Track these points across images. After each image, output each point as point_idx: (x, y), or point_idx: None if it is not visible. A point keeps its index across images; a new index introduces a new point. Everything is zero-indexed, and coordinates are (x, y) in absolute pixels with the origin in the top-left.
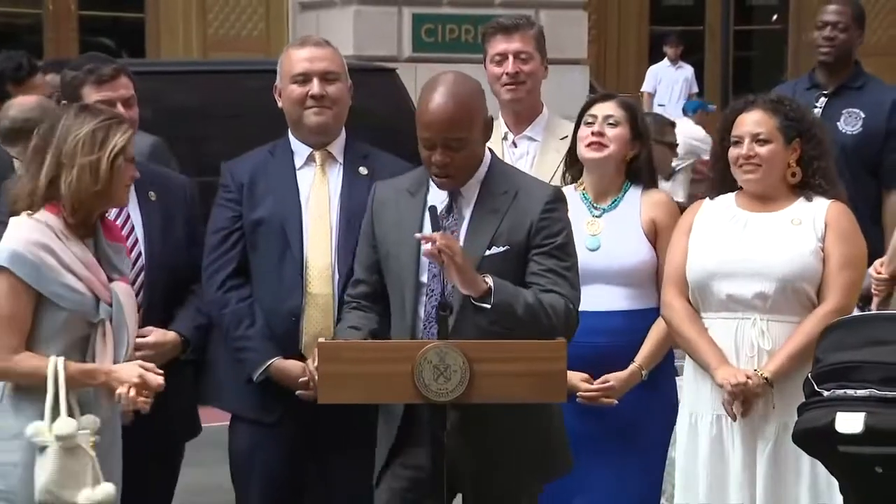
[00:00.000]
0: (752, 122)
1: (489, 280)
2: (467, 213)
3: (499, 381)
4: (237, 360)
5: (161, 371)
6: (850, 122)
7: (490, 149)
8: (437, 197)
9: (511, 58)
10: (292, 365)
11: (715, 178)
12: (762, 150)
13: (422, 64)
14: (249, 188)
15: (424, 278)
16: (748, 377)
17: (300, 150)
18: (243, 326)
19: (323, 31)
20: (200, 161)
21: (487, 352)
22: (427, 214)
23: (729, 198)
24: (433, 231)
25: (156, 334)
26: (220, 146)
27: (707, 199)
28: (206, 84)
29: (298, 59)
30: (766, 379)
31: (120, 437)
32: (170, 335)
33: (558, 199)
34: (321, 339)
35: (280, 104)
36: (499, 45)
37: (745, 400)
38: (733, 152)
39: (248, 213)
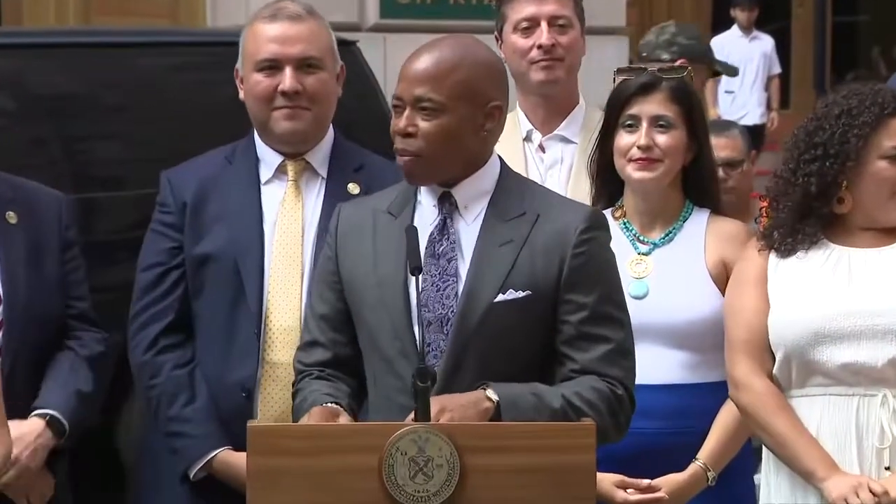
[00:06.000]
0: None
1: (493, 395)
2: (469, 240)
3: (500, 480)
4: (170, 450)
5: None
6: None
7: (499, 155)
8: (428, 217)
9: (544, 24)
10: (243, 459)
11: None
12: None
13: (392, 34)
14: (195, 210)
15: (417, 330)
16: (876, 494)
17: (268, 158)
18: (179, 403)
19: None
20: (80, 169)
21: (484, 438)
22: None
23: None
24: (411, 261)
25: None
26: (107, 148)
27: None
28: (88, 62)
29: (266, 37)
30: None
31: None
32: (26, 426)
33: (597, 226)
34: (251, 422)
35: (241, 96)
36: (526, 7)
37: None
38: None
39: (192, 245)
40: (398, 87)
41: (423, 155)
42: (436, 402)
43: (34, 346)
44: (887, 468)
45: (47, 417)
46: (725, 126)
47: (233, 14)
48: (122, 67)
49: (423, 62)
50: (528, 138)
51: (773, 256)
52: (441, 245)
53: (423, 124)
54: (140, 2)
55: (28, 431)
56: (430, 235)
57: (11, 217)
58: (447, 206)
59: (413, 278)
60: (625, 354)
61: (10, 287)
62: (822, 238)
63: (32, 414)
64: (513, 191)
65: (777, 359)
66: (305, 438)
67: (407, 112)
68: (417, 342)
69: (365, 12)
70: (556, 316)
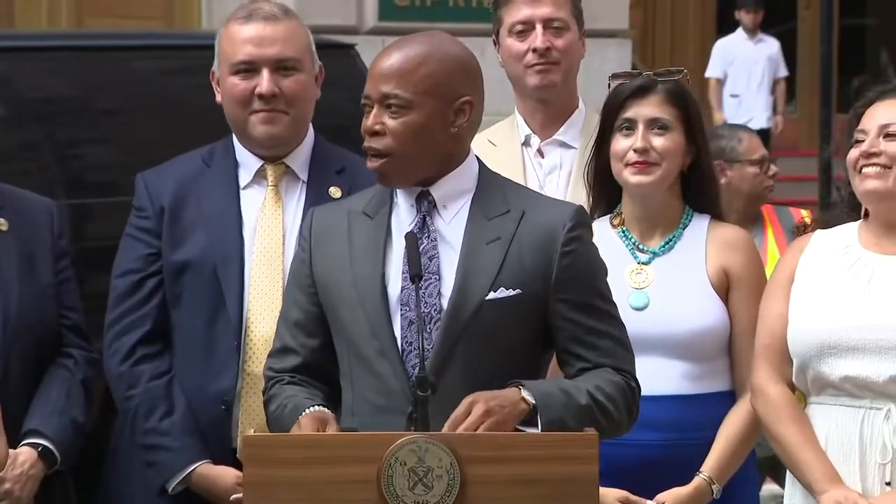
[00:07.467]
0: (886, 112)
1: (529, 396)
2: (450, 239)
3: (501, 491)
4: (147, 463)
5: None
6: None
7: (477, 156)
8: (405, 217)
9: (539, 27)
10: (223, 472)
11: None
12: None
13: (391, 37)
14: (172, 214)
15: (397, 329)
16: None
17: (247, 162)
18: (157, 415)
19: None
20: (72, 174)
21: (486, 448)
22: (391, 241)
23: (850, 230)
24: (411, 268)
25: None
26: (100, 153)
27: (816, 232)
28: (81, 65)
29: (241, 39)
30: None
31: None
32: (20, 457)
33: (583, 223)
34: (245, 432)
35: (218, 98)
36: (521, 9)
37: None
38: (852, 154)
39: (170, 252)
40: (366, 86)
41: (393, 154)
42: (480, 403)
43: (27, 353)
44: (888, 483)
45: (40, 448)
46: (736, 127)
47: None
48: (115, 71)
49: (390, 59)
50: (526, 143)
51: (802, 258)
52: (422, 243)
53: (391, 122)
54: (134, 4)
55: (21, 462)
56: (412, 229)
57: (3, 224)
58: (425, 204)
59: (401, 281)
60: (628, 347)
61: (3, 294)
62: (855, 239)
63: (26, 442)
64: (493, 189)
65: (794, 367)
66: (301, 449)
67: (375, 110)
68: (398, 342)
69: (363, 15)
70: (546, 314)
